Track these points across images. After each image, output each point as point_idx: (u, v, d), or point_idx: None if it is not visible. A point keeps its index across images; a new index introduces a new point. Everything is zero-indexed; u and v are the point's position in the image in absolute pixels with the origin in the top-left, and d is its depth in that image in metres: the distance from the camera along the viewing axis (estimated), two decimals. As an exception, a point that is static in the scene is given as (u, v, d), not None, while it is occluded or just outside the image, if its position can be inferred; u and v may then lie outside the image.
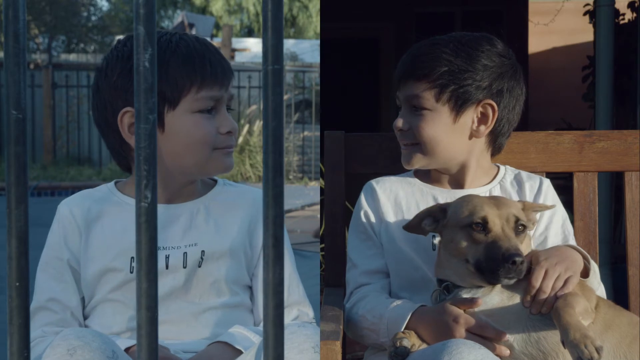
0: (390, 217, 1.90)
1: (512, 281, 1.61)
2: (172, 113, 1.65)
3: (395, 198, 1.92)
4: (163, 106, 1.64)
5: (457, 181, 1.91)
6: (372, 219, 1.91)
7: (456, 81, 1.81)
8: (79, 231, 1.72)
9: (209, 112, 1.68)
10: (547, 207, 1.80)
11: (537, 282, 1.61)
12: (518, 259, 1.57)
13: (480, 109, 1.83)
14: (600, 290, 1.76)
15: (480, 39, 1.86)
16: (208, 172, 1.74)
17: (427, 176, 1.94)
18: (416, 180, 1.94)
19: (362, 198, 1.94)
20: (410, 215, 1.85)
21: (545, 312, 1.59)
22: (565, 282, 1.61)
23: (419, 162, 1.87)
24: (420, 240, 1.83)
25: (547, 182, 1.94)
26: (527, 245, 1.70)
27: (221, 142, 1.69)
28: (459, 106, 1.82)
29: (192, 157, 1.68)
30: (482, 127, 1.84)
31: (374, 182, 1.96)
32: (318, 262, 1.80)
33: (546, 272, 1.62)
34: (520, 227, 1.65)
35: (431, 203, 1.86)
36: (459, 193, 1.86)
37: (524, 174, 1.95)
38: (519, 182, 1.93)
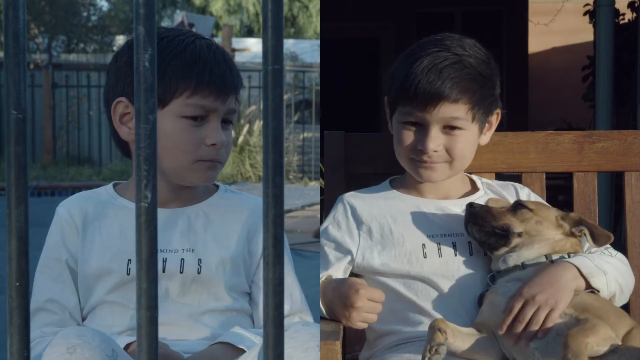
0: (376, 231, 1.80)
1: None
2: (160, 112, 1.62)
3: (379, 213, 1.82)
4: None
5: (438, 190, 1.85)
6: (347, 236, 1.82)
7: (486, 96, 1.75)
8: (77, 231, 1.71)
9: (198, 121, 1.64)
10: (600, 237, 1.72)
11: (513, 310, 1.58)
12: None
13: (493, 117, 1.82)
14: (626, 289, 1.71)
15: (471, 42, 1.77)
16: (186, 181, 1.69)
17: (405, 187, 1.88)
18: (396, 193, 1.87)
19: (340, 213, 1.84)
20: (397, 226, 1.79)
21: (524, 346, 1.57)
22: (547, 315, 1.57)
23: (443, 177, 1.79)
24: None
25: (525, 190, 1.91)
26: (521, 221, 1.71)
27: (205, 154, 1.65)
28: (484, 120, 1.78)
29: (171, 161, 1.65)
30: (488, 134, 1.83)
31: (350, 197, 1.86)
32: (318, 262, 1.79)
33: (525, 302, 1.58)
34: (517, 205, 1.74)
35: (417, 214, 1.81)
36: (443, 203, 1.83)
37: (495, 183, 1.93)
38: (495, 192, 1.89)
